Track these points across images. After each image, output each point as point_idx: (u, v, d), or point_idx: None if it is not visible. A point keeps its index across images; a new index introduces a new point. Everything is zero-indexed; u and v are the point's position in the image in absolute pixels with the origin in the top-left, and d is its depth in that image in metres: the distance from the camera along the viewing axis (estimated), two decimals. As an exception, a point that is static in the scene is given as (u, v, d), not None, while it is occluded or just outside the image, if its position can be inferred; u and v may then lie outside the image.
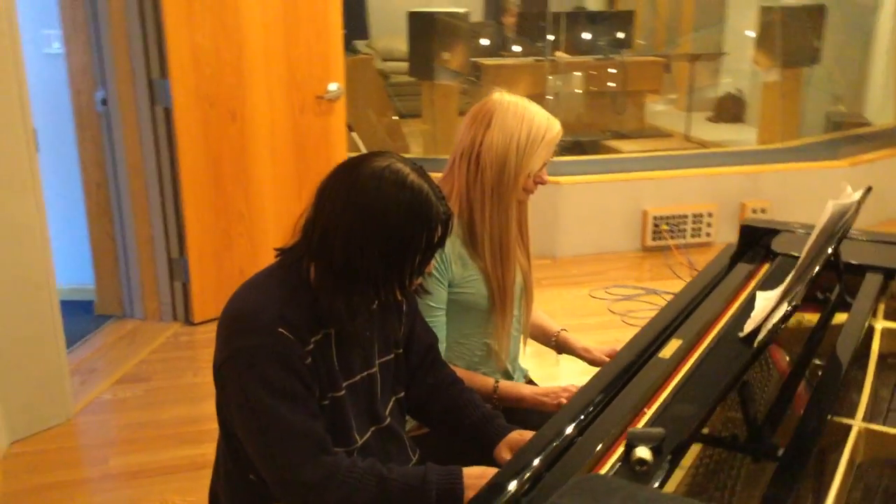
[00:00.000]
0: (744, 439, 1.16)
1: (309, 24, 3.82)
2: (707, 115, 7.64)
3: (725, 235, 4.82)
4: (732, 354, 1.32)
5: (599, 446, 1.12)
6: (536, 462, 1.11)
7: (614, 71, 6.63)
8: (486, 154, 1.74)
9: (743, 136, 6.86)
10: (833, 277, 1.65)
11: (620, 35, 6.76)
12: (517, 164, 1.74)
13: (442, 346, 1.84)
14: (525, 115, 1.75)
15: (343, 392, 1.45)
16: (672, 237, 4.81)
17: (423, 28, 5.35)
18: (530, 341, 2.10)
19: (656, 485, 1.03)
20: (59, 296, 2.92)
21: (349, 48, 6.35)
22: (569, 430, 1.18)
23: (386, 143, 5.68)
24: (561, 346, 2.07)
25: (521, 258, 1.94)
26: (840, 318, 1.57)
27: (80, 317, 3.81)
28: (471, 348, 1.90)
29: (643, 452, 1.07)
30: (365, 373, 1.50)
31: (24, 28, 3.68)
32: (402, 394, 1.63)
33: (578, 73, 6.67)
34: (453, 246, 1.80)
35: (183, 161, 3.55)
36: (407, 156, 3.76)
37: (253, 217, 3.81)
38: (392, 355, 1.58)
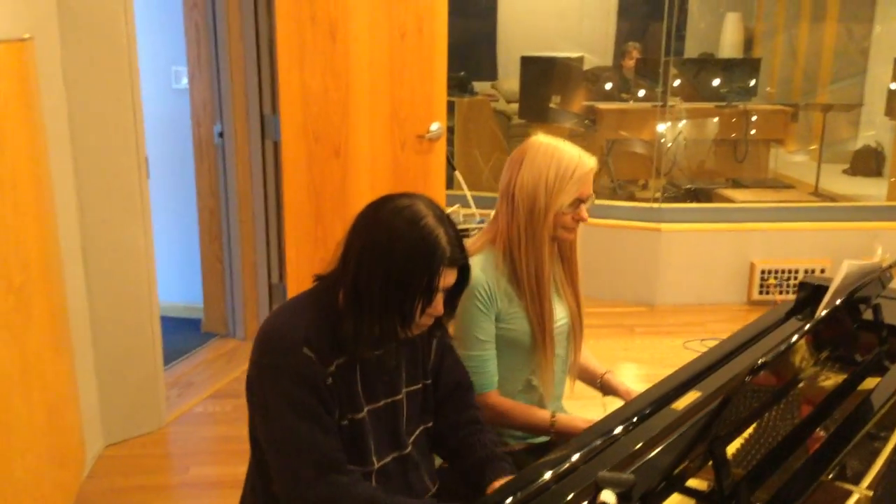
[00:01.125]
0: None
1: (414, 67, 3.98)
2: (843, 167, 7.33)
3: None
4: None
5: (571, 495, 1.14)
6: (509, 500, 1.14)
7: (736, 119, 6.50)
8: (518, 193, 1.81)
9: (880, 191, 6.54)
10: (875, 340, 1.59)
11: (746, 83, 6.63)
12: (546, 200, 1.79)
13: (494, 379, 1.88)
14: (555, 154, 1.80)
15: (364, 415, 1.52)
16: (780, 292, 4.64)
17: (535, 71, 5.44)
18: (578, 383, 2.12)
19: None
20: (171, 313, 3.15)
21: (467, 89, 6.49)
22: (548, 475, 1.20)
23: (490, 184, 5.77)
24: (605, 388, 2.07)
25: (569, 298, 1.97)
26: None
27: (188, 333, 4.07)
28: (513, 383, 1.94)
29: (608, 497, 1.08)
30: (390, 399, 1.57)
31: (156, 64, 4.04)
32: (431, 423, 1.68)
33: (698, 120, 6.57)
34: (499, 282, 1.86)
35: (287, 192, 3.76)
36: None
37: (350, 249, 3.96)
38: (420, 385, 1.64)
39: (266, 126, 3.77)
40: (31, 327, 1.98)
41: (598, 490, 1.09)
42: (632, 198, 5.80)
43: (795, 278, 4.66)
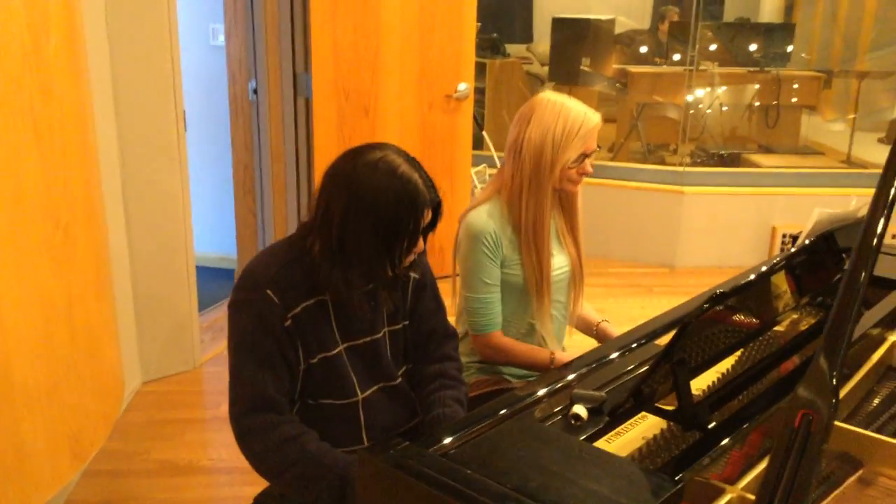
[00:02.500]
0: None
1: (443, 28, 4.07)
2: (879, 136, 7.27)
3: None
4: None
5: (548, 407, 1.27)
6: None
7: (769, 84, 6.48)
8: (525, 147, 1.92)
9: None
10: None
11: (782, 48, 6.60)
12: (553, 155, 1.89)
13: (497, 320, 2.02)
14: (562, 111, 1.90)
15: (338, 352, 1.63)
16: (800, 256, 4.69)
17: (567, 33, 5.49)
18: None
19: (583, 438, 1.17)
20: (206, 263, 3.32)
21: (499, 51, 6.55)
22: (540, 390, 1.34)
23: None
24: (601, 336, 2.19)
25: (570, 248, 2.08)
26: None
27: (223, 282, 4.26)
28: (517, 326, 2.07)
29: (580, 410, 1.21)
30: (369, 338, 1.68)
31: (195, 22, 4.19)
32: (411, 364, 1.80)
33: (731, 85, 6.56)
34: (504, 230, 1.98)
35: (317, 148, 3.90)
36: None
37: (378, 204, 4.10)
38: (401, 326, 1.75)
39: (298, 83, 3.91)
40: (76, 264, 2.15)
41: (571, 404, 1.23)
42: (662, 162, 5.84)
43: (818, 244, 4.71)
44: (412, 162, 1.57)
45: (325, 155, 3.92)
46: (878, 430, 1.42)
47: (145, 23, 2.95)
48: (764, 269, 1.41)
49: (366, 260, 1.56)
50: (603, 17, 5.55)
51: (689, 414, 1.21)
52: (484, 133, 4.88)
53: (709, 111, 6.36)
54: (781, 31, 6.98)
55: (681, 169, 4.87)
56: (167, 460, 2.78)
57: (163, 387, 3.23)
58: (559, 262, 2.06)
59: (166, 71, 3.06)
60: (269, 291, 1.56)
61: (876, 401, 1.53)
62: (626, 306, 4.16)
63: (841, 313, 0.97)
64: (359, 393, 1.67)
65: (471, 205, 2.03)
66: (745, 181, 4.87)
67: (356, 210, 1.52)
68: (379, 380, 1.71)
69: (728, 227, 4.75)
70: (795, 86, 6.36)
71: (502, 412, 1.24)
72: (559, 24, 5.54)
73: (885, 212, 1.10)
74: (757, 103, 6.61)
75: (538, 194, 1.93)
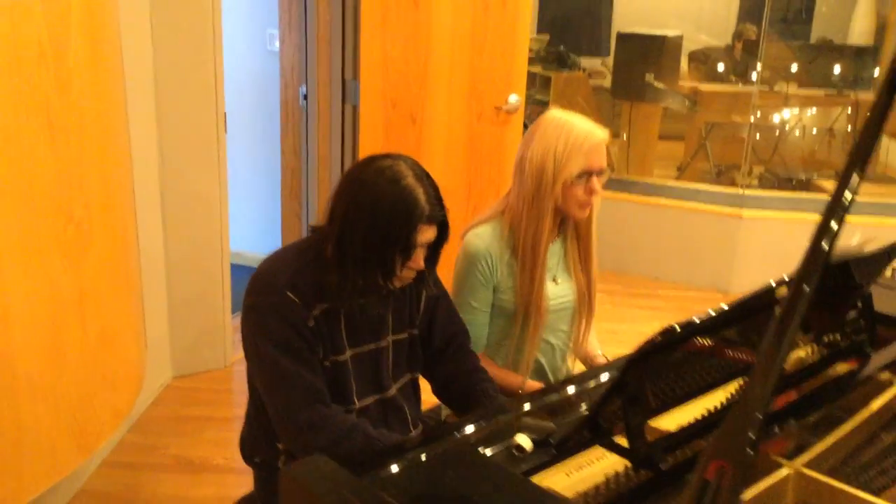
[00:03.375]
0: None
1: (495, 39, 4.03)
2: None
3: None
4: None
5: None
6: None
7: (848, 108, 6.22)
8: (528, 164, 1.86)
9: None
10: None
11: (866, 71, 6.34)
12: (555, 170, 1.83)
13: (481, 344, 1.97)
14: (565, 126, 1.84)
15: (346, 357, 1.63)
16: (864, 288, 4.46)
17: (631, 49, 5.38)
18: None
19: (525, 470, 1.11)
20: (250, 262, 3.37)
21: (566, 64, 6.47)
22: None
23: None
24: None
25: (579, 277, 2.00)
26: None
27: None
28: (506, 351, 2.01)
29: (523, 441, 1.15)
30: (373, 345, 1.68)
31: (252, 27, 4.26)
32: (418, 374, 1.78)
33: (808, 107, 6.32)
34: (502, 254, 1.92)
35: (363, 155, 3.89)
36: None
37: (421, 214, 4.08)
38: (406, 335, 1.74)
39: (347, 90, 3.92)
40: (89, 259, 2.19)
41: (516, 432, 1.17)
42: (731, 184, 5.67)
43: (885, 276, 4.48)
44: (421, 176, 1.56)
45: (371, 162, 3.92)
46: (876, 481, 1.31)
47: (189, 27, 3.01)
48: (746, 298, 1.31)
49: (358, 266, 1.54)
50: (671, 33, 5.41)
51: (642, 453, 1.14)
52: (537, 147, 4.81)
53: (778, 133, 6.14)
54: (865, 54, 6.70)
55: (741, 191, 4.70)
56: (183, 456, 2.81)
57: (191, 383, 3.28)
58: (563, 291, 2.00)
59: (209, 74, 3.11)
60: (289, 293, 1.56)
61: (875, 449, 1.41)
62: (671, 331, 4.02)
63: (771, 347, 0.89)
64: (356, 402, 1.66)
65: (474, 221, 1.98)
66: (808, 207, 4.67)
67: (354, 213, 1.53)
68: (376, 391, 1.70)
69: (787, 254, 4.54)
70: (865, 109, 6.06)
71: (448, 438, 1.20)
72: (624, 40, 5.43)
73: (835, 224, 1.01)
74: (835, 127, 6.35)
75: (538, 213, 1.87)
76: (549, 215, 1.87)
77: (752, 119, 5.40)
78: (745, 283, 4.57)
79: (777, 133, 6.20)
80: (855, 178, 1.06)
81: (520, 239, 1.89)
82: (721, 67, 6.67)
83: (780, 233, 4.54)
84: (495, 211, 1.97)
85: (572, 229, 1.99)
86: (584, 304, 2.01)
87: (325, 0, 3.86)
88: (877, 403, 1.46)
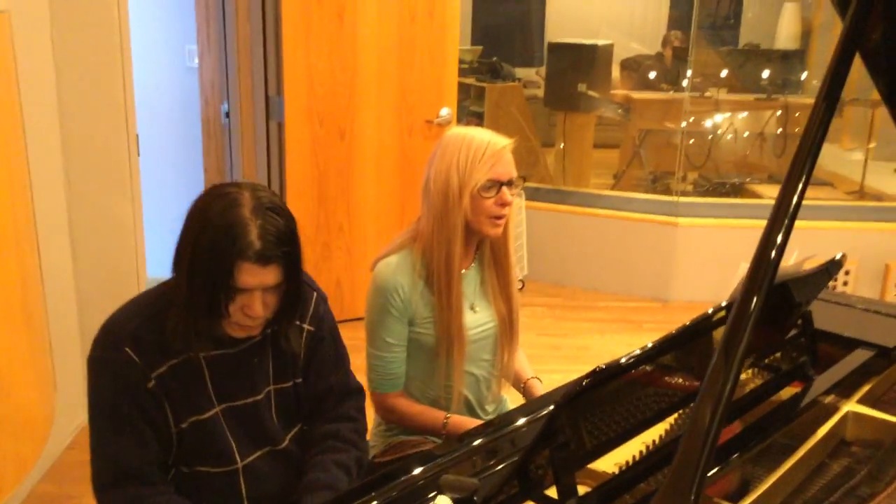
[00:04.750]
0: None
1: (424, 52, 3.93)
2: (896, 165, 7.02)
3: (864, 294, 4.41)
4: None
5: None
6: None
7: (777, 112, 6.28)
8: (433, 184, 1.75)
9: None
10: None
11: (793, 75, 6.42)
12: (459, 182, 1.72)
13: (397, 382, 1.84)
14: (465, 139, 1.74)
15: (213, 414, 1.46)
16: (801, 292, 4.47)
17: (562, 58, 5.33)
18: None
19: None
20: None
21: (499, 75, 6.40)
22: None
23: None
24: (527, 393, 1.98)
25: (499, 303, 1.89)
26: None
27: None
28: (430, 387, 1.88)
29: (444, 502, 1.03)
30: (250, 399, 1.50)
31: (170, 43, 4.08)
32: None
33: (738, 112, 6.38)
34: (415, 285, 1.80)
35: (290, 173, 3.76)
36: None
37: (353, 232, 3.95)
38: (290, 384, 1.56)
39: (271, 107, 3.77)
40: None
41: (436, 495, 1.05)
42: (666, 190, 5.66)
43: (820, 280, 4.49)
44: (264, 209, 1.34)
45: (298, 180, 3.78)
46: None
47: (95, 45, 2.83)
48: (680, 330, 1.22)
49: (188, 309, 1.35)
50: (601, 41, 5.38)
51: (574, 507, 1.03)
52: (471, 159, 4.72)
53: (711, 138, 6.17)
54: (793, 58, 6.79)
55: (675, 199, 4.68)
56: (99, 505, 2.61)
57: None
58: (483, 319, 1.88)
59: (117, 95, 2.93)
60: (127, 349, 1.38)
61: (824, 479, 1.33)
62: (613, 343, 3.95)
63: (717, 374, 0.78)
64: (238, 460, 1.50)
65: (383, 252, 1.84)
66: (743, 213, 4.66)
67: (183, 242, 1.36)
68: (263, 444, 1.53)
69: (724, 261, 4.53)
70: (798, 113, 6.14)
71: (370, 495, 1.07)
72: (554, 49, 5.38)
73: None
74: (765, 131, 6.41)
75: (449, 233, 1.74)
76: (459, 234, 1.75)
77: (683, 125, 5.41)
78: (685, 290, 4.54)
79: (709, 138, 6.22)
80: (799, 187, 0.98)
81: (433, 265, 1.77)
82: (652, 75, 6.69)
83: (716, 239, 4.52)
84: (406, 239, 1.84)
85: (488, 253, 1.88)
86: (505, 332, 1.90)
87: (245, 14, 3.71)
88: (823, 430, 1.38)
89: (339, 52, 3.74)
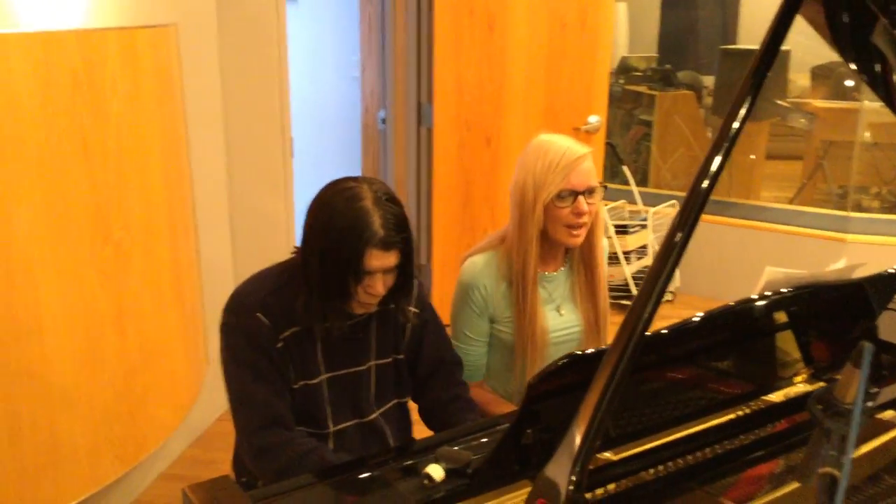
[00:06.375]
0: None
1: (574, 59, 3.96)
2: None
3: None
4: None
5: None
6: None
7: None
8: (513, 192, 1.81)
9: None
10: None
11: None
12: (534, 193, 1.76)
13: (479, 374, 1.92)
14: (543, 147, 1.77)
15: (319, 381, 1.62)
16: None
17: (734, 65, 5.16)
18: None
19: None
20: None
21: (672, 83, 6.27)
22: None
23: (661, 180, 5.60)
24: None
25: (586, 307, 1.92)
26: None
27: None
28: (507, 383, 1.94)
29: (434, 470, 1.10)
30: (352, 369, 1.66)
31: (335, 54, 4.38)
32: (406, 399, 1.75)
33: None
34: (498, 285, 1.87)
35: (436, 177, 3.92)
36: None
37: (497, 236, 4.05)
38: (391, 359, 1.71)
39: (422, 114, 3.96)
40: (129, 278, 2.30)
41: (431, 461, 1.12)
42: (857, 206, 5.32)
43: None
44: (383, 201, 1.52)
45: (445, 183, 3.93)
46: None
47: (256, 56, 3.13)
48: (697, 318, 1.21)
49: (316, 288, 1.54)
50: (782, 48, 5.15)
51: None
52: (624, 167, 4.68)
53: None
54: None
55: (845, 213, 4.39)
56: (237, 472, 2.87)
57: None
58: (569, 322, 1.92)
59: (274, 101, 3.22)
60: (259, 315, 1.57)
61: (875, 489, 1.27)
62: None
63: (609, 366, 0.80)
64: (330, 425, 1.65)
65: (473, 249, 1.93)
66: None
67: (311, 233, 1.54)
68: (355, 415, 1.68)
69: None
70: None
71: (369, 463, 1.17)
72: (726, 56, 5.22)
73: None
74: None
75: (524, 238, 1.80)
76: (535, 242, 1.79)
77: (867, 136, 5.06)
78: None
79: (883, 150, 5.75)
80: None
81: (513, 269, 1.83)
82: (850, 83, 6.29)
83: (888, 257, 4.20)
84: (494, 240, 1.91)
85: (578, 258, 1.91)
86: (591, 336, 1.92)
87: (402, 26, 3.92)
88: (875, 442, 1.31)
89: (488, 60, 3.86)
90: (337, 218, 1.49)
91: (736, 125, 0.95)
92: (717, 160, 0.93)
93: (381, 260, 1.50)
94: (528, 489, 1.20)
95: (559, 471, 0.75)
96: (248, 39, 3.11)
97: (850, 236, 4.21)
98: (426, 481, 1.11)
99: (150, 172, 2.39)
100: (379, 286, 1.54)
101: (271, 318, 1.57)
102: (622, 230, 4.37)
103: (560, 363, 1.02)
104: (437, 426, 1.75)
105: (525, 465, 1.15)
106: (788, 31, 1.00)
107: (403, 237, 1.52)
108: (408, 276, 1.59)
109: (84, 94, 2.07)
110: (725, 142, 0.93)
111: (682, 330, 1.21)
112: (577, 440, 0.76)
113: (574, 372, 1.02)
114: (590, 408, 0.78)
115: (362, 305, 1.58)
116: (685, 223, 0.87)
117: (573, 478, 0.73)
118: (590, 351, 1.04)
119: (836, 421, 0.80)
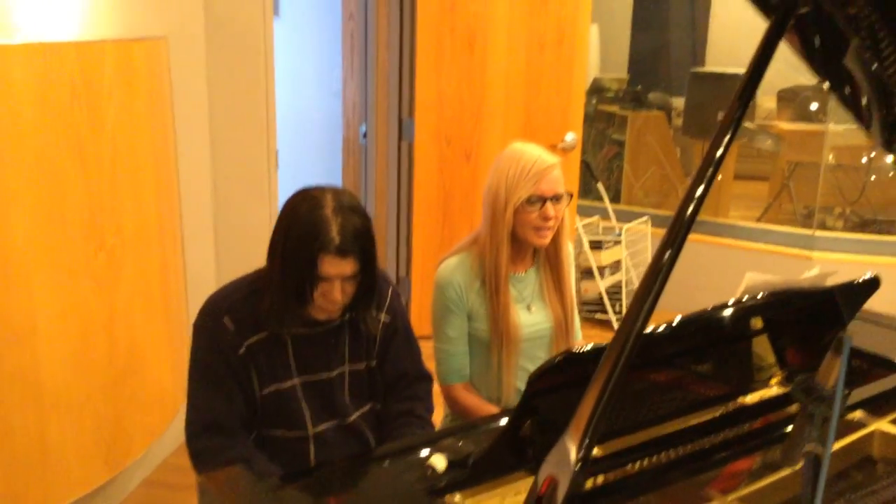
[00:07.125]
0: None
1: (551, 78, 4.07)
2: None
3: None
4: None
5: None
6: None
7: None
8: (486, 195, 1.92)
9: None
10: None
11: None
12: (506, 196, 1.87)
13: (465, 374, 1.99)
14: (516, 154, 1.89)
15: (292, 385, 1.67)
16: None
17: (703, 88, 5.31)
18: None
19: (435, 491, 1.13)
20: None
21: (644, 104, 6.43)
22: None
23: (633, 197, 5.74)
24: None
25: (554, 304, 2.02)
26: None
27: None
28: (486, 380, 2.02)
29: (437, 461, 1.17)
30: (325, 374, 1.71)
31: (317, 69, 4.44)
32: (379, 404, 1.80)
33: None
34: (472, 284, 1.96)
35: (418, 191, 4.00)
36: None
37: (475, 250, 4.13)
38: (363, 365, 1.76)
39: (403, 128, 4.03)
40: (120, 284, 2.34)
41: (434, 452, 1.19)
42: (822, 226, 5.48)
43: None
44: (345, 209, 1.56)
45: (425, 197, 4.00)
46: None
47: (243, 68, 3.18)
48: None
49: (277, 292, 1.58)
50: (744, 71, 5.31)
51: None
52: (599, 185, 4.79)
53: (868, 173, 5.90)
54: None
55: (811, 232, 4.54)
56: (219, 479, 2.90)
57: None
58: (538, 319, 2.01)
59: (260, 113, 3.27)
60: (225, 319, 1.63)
61: (844, 484, 1.35)
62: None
63: (610, 359, 0.88)
64: (310, 428, 1.69)
65: (448, 253, 2.03)
66: (884, 250, 4.46)
67: (276, 235, 1.60)
68: (333, 417, 1.73)
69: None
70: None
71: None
72: (696, 78, 5.38)
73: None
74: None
75: (495, 240, 1.91)
76: (505, 242, 1.91)
77: (830, 158, 5.23)
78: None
79: (866, 173, 5.95)
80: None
81: (485, 267, 1.93)
82: (814, 106, 6.48)
83: (852, 275, 4.34)
84: (466, 242, 2.02)
85: (544, 259, 2.02)
86: (560, 332, 2.02)
87: (384, 42, 4.00)
88: (845, 441, 1.40)
89: (469, 77, 3.95)
90: (297, 223, 1.54)
91: (720, 152, 1.02)
92: (701, 188, 1.00)
93: (337, 267, 1.54)
94: (526, 479, 1.27)
95: (569, 445, 0.82)
96: (236, 52, 3.17)
97: (816, 254, 4.34)
98: (429, 472, 1.17)
99: (143, 181, 2.43)
100: (336, 293, 1.57)
101: (238, 323, 1.62)
102: (596, 246, 4.47)
103: (557, 360, 1.10)
104: (381, 438, 1.78)
105: (522, 458, 1.21)
106: (770, 61, 1.09)
107: (361, 246, 1.56)
108: (368, 285, 1.63)
109: (81, 103, 2.12)
110: (711, 166, 1.00)
111: (665, 334, 1.28)
112: (582, 426, 0.83)
113: (571, 369, 1.09)
114: (592, 397, 0.86)
115: (322, 311, 1.63)
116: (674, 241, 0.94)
117: (581, 454, 0.80)
118: (587, 348, 1.11)
119: (818, 405, 0.89)
